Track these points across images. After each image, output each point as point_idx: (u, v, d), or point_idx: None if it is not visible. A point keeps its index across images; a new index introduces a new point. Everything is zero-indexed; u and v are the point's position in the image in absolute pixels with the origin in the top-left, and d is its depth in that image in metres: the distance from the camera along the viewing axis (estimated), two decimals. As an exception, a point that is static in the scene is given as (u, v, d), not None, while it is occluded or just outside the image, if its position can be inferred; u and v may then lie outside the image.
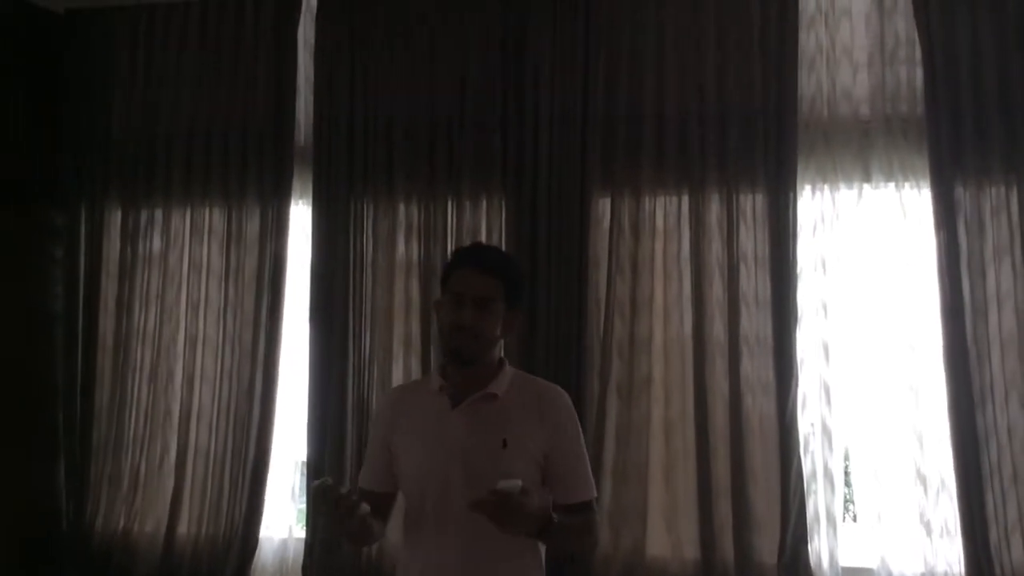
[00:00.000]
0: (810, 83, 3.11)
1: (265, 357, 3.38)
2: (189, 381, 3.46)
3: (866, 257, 3.07)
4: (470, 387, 2.12)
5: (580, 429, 2.21)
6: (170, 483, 3.43)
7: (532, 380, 2.25)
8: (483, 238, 3.25)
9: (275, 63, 3.46)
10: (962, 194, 2.96)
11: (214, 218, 3.52)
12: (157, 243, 3.55)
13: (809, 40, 3.12)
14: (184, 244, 3.53)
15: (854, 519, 3.23)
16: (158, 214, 3.56)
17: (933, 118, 2.98)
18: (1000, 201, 2.96)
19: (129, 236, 3.57)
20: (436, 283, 2.69)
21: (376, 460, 2.23)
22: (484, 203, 3.29)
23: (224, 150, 3.49)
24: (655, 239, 3.17)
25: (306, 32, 3.49)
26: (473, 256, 2.19)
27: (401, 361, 3.28)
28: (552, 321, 3.15)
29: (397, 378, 3.27)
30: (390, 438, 2.18)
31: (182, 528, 3.41)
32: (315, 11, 3.46)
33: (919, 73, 3.02)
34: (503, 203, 3.27)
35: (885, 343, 3.03)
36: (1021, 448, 2.86)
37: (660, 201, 3.18)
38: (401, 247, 3.34)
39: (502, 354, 2.25)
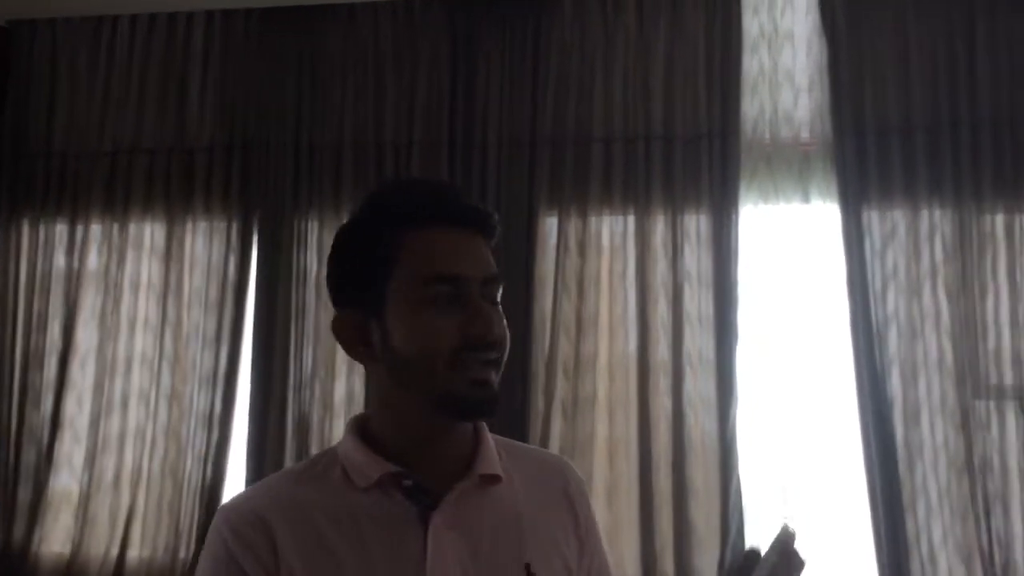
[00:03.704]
0: (753, 106, 3.16)
1: (225, 379, 3.33)
2: (144, 400, 3.37)
3: (804, 277, 3.12)
4: (444, 469, 1.17)
5: None
6: (108, 506, 3.34)
7: (523, 448, 1.32)
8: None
9: (226, 79, 3.43)
10: (868, 216, 3.03)
11: (171, 236, 3.42)
12: (99, 258, 3.47)
13: (752, 64, 3.17)
14: (131, 260, 3.44)
15: (794, 537, 3.26)
16: (102, 229, 3.48)
17: (839, 142, 3.05)
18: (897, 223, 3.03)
19: (74, 251, 3.48)
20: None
21: None
22: (431, 219, 3.28)
23: (183, 166, 3.42)
24: (601, 258, 3.19)
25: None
26: (458, 205, 1.21)
27: (344, 379, 3.24)
28: (498, 339, 3.14)
29: (339, 397, 3.23)
30: None
31: (132, 552, 3.32)
32: (264, 30, 3.43)
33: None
34: (450, 220, 3.27)
35: (824, 361, 3.08)
36: (944, 469, 2.90)
37: (607, 221, 3.21)
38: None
39: None
